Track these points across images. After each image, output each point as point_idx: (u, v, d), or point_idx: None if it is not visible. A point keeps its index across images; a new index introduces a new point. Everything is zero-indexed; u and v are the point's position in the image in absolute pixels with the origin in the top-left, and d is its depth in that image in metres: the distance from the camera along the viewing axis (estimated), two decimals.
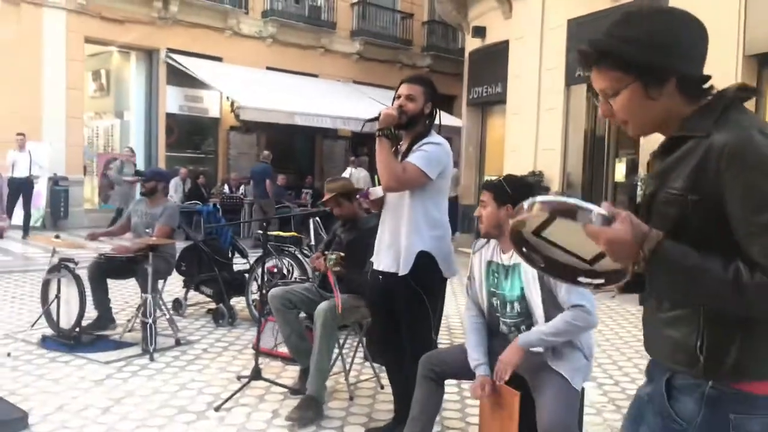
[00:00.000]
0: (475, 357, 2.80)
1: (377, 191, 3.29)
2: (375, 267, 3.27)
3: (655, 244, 1.25)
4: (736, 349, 1.29)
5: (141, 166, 14.87)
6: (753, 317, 1.27)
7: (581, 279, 1.42)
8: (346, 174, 12.01)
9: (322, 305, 3.70)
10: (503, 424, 2.76)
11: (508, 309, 2.75)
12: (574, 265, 1.41)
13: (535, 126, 9.96)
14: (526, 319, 2.72)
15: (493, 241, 2.85)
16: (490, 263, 2.84)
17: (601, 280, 1.38)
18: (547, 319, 2.63)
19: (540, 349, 2.65)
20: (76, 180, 13.33)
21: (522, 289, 2.68)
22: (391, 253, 3.15)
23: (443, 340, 5.07)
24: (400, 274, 3.09)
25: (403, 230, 3.10)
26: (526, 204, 1.37)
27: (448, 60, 18.95)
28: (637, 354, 5.20)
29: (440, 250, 3.10)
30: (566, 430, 2.43)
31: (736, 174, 1.23)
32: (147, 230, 4.98)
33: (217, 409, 3.70)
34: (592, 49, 1.40)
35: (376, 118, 3.02)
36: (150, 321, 4.66)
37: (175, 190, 12.60)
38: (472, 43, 12.33)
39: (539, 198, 1.37)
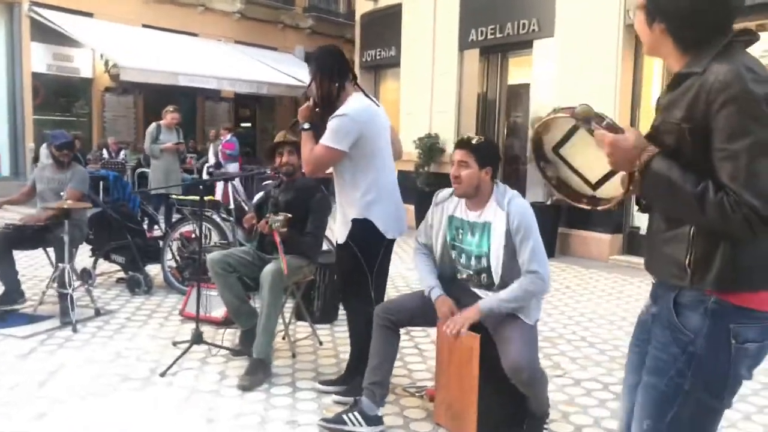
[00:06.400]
0: (429, 283, 2.99)
1: None
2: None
3: (650, 155, 1.51)
4: (718, 261, 1.51)
5: (5, 131, 13.73)
6: (714, 232, 1.49)
7: (583, 202, 1.73)
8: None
9: (268, 268, 3.70)
10: (461, 369, 2.91)
11: (473, 262, 2.92)
12: (579, 189, 1.69)
13: (430, 89, 10.22)
14: (486, 272, 2.89)
15: (456, 198, 2.97)
16: (452, 218, 2.98)
17: (597, 207, 1.69)
18: (503, 275, 2.83)
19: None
20: None
21: (489, 246, 2.83)
22: (337, 225, 3.37)
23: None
24: (340, 242, 3.32)
25: (339, 201, 3.30)
26: (551, 110, 1.68)
27: (330, 22, 18.81)
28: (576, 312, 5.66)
29: (378, 213, 3.20)
30: (531, 363, 2.68)
31: (720, 106, 1.43)
32: (61, 194, 4.66)
33: (162, 374, 3.66)
34: None
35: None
36: (70, 291, 4.45)
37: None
38: (363, 6, 12.32)
39: (562, 105, 1.68)
